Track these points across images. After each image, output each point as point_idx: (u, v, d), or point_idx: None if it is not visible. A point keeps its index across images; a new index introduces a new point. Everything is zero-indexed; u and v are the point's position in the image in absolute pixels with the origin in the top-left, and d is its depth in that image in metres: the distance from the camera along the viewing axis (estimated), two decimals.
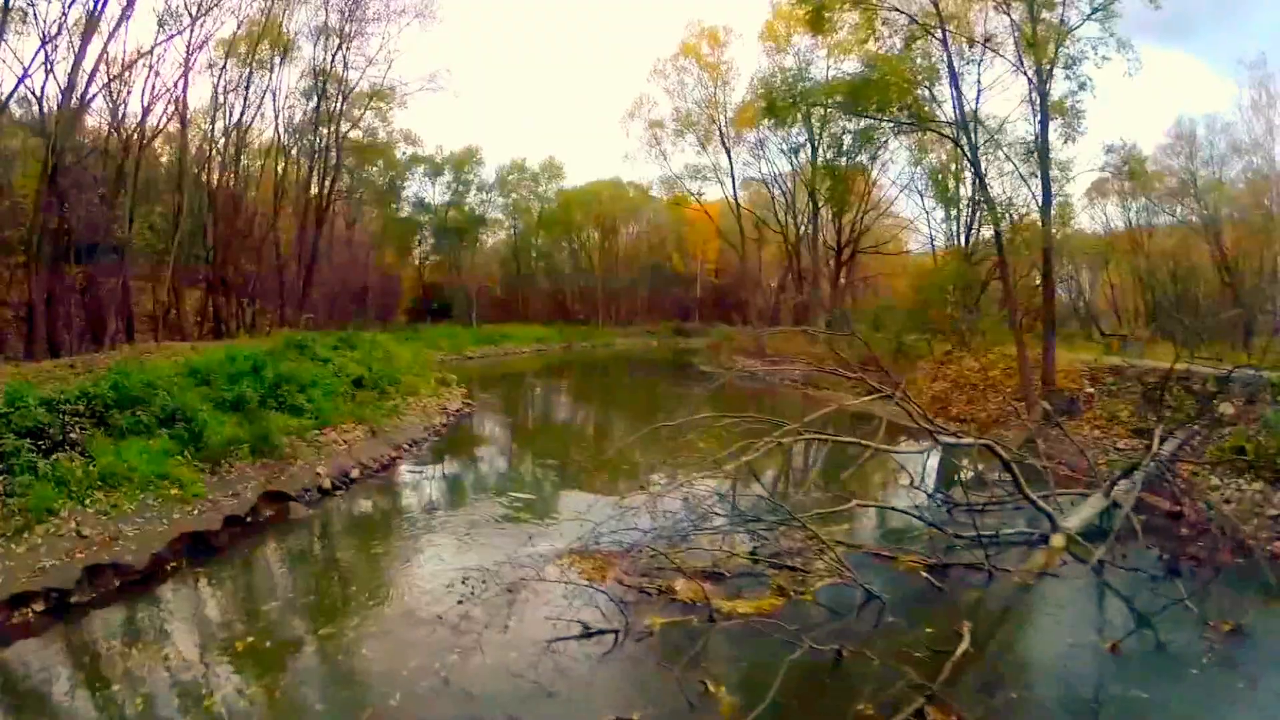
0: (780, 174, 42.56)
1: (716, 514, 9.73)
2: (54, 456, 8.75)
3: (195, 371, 12.60)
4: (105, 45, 20.17)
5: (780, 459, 13.98)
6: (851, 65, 31.47)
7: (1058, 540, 8.95)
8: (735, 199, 41.50)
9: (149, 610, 7.22)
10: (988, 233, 30.23)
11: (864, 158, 28.77)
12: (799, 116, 30.81)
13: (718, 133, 40.26)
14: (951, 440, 9.26)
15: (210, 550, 8.61)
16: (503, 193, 59.75)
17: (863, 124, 28.12)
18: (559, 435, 20.00)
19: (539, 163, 60.26)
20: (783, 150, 40.45)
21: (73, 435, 9.30)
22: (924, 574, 7.96)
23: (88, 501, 8.40)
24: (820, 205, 40.43)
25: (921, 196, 32.46)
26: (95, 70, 19.88)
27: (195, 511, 9.02)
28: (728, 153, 40.63)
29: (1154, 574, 7.81)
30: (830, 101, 23.87)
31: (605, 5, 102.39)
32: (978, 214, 30.69)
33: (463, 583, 7.78)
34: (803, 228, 42.40)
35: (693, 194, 44.40)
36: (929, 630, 6.71)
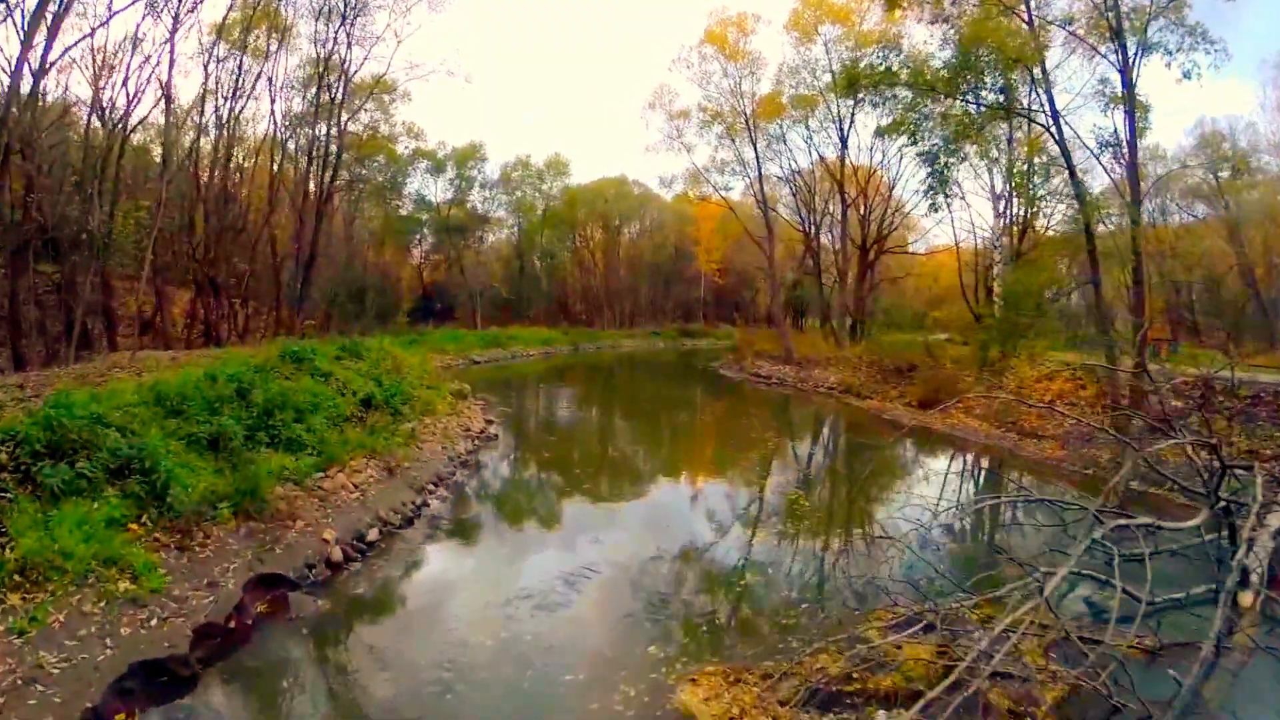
0: (799, 169, 40.46)
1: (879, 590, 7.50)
2: None
3: (163, 399, 9.74)
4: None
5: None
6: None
7: (1246, 598, 7.36)
8: (761, 193, 38.93)
9: None
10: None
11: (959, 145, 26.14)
12: (875, 101, 28.53)
13: (744, 123, 37.49)
14: (1231, 500, 6.67)
15: (174, 686, 5.72)
16: (506, 190, 57.38)
17: (896, 112, 26.00)
18: (609, 467, 16.18)
19: (544, 159, 57.91)
20: (807, 143, 38.45)
21: None
22: (1170, 671, 5.84)
23: None
24: (848, 202, 38.19)
25: (947, 196, 29.77)
26: (58, 25, 16.99)
27: (153, 620, 6.17)
28: (753, 144, 38.00)
29: None
30: (920, 81, 21.30)
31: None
32: (1028, 213, 28.61)
33: None
34: (824, 224, 40.30)
35: (718, 189, 41.80)
36: None
